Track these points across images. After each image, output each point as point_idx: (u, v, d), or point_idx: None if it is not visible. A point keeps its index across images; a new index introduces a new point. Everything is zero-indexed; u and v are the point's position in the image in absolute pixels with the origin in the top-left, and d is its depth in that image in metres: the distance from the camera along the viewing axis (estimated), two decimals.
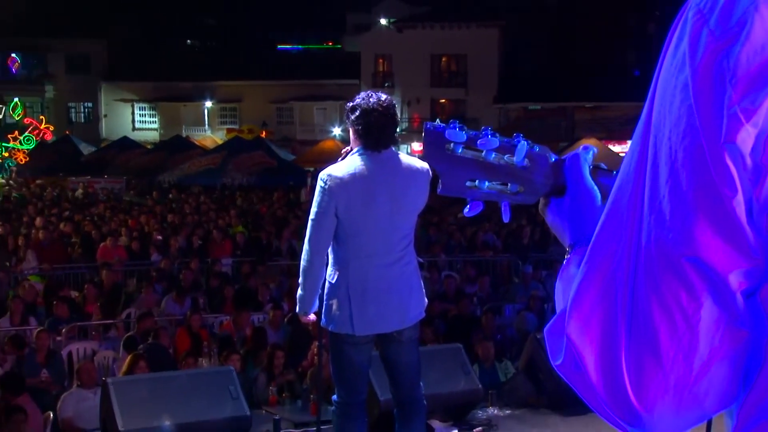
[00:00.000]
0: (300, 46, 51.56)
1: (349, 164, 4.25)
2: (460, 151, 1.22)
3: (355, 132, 4.27)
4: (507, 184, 1.25)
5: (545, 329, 1.05)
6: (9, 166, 32.48)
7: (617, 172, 1.33)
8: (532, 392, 6.44)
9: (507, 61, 41.26)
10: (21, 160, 33.14)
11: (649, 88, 0.92)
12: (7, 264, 13.62)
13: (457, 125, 1.24)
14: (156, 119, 46.91)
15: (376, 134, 4.23)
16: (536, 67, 40.31)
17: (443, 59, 42.71)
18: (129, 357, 7.53)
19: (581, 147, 1.32)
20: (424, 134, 1.23)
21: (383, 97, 4.31)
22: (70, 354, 8.92)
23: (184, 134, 40.49)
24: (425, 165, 4.42)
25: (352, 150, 4.35)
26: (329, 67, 44.39)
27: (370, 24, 45.34)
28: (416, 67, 40.93)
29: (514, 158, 1.24)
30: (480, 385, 6.14)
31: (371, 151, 4.24)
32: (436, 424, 5.71)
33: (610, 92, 37.81)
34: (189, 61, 46.52)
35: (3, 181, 30.97)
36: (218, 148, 33.37)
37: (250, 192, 26.80)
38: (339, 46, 50.13)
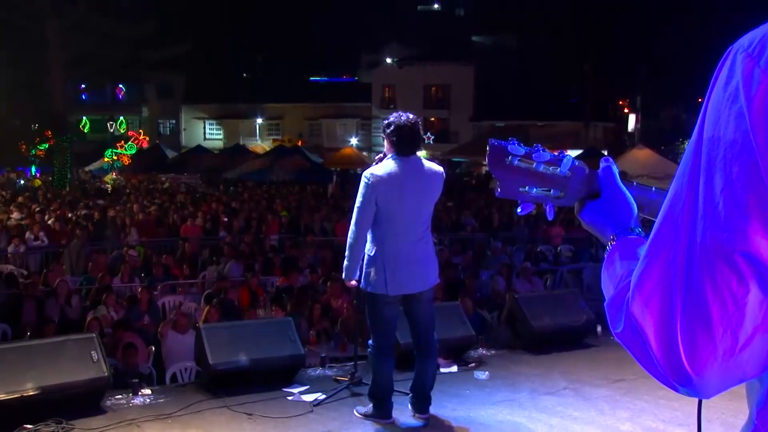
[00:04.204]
0: (326, 78, 51.21)
1: (386, 166, 4.17)
2: (516, 162, 1.14)
3: (390, 142, 4.18)
4: (551, 190, 1.17)
5: (605, 304, 0.97)
6: (117, 167, 32.66)
7: (636, 183, 1.26)
8: (511, 338, 6.40)
9: (480, 90, 41.17)
10: (125, 162, 33.38)
11: (696, 121, 0.85)
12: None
13: (516, 142, 1.16)
14: (221, 132, 46.74)
15: (406, 144, 4.15)
16: (501, 94, 40.17)
17: (432, 88, 42.62)
18: (206, 308, 7.48)
19: (603, 159, 1.24)
20: (489, 149, 1.14)
21: (411, 116, 4.21)
22: (163, 304, 8.91)
23: (241, 143, 40.18)
24: (440, 168, 4.33)
25: (385, 156, 4.26)
26: (348, 93, 44.24)
27: (379, 62, 45.06)
28: (412, 93, 40.80)
29: (559, 169, 1.17)
30: (473, 332, 6.08)
31: (402, 156, 4.16)
32: (441, 361, 5.66)
33: (556, 114, 37.90)
34: (245, 89, 46.28)
35: (115, 176, 31.15)
36: (267, 154, 33.17)
37: (291, 186, 26.68)
38: (355, 78, 49.84)
